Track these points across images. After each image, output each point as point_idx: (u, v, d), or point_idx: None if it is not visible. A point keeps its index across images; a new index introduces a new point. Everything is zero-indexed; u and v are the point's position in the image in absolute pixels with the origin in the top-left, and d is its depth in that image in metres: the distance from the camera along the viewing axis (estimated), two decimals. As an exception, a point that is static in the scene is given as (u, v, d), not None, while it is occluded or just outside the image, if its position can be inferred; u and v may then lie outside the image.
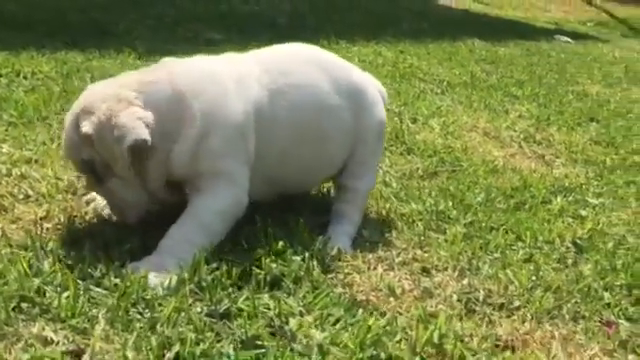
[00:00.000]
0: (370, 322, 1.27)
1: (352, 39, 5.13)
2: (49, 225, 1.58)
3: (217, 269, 1.41)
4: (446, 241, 1.82)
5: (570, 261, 1.79)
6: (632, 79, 5.09)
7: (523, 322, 1.44)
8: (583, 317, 1.51)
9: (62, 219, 1.61)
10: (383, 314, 1.42)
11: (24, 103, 2.51)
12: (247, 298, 1.34)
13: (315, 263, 1.54)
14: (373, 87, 1.91)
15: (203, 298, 1.33)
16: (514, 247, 1.83)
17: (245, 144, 1.55)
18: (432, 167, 2.52)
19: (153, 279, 1.33)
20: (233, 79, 1.57)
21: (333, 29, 5.36)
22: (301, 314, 1.34)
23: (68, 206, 1.69)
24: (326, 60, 1.78)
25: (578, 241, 1.90)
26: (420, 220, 1.95)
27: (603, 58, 6.10)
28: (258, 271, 1.45)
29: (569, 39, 7.09)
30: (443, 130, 3.05)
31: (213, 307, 1.30)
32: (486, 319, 1.43)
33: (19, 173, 1.87)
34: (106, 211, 1.68)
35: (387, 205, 2.06)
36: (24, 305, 1.19)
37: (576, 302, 1.55)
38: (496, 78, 4.46)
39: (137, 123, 1.44)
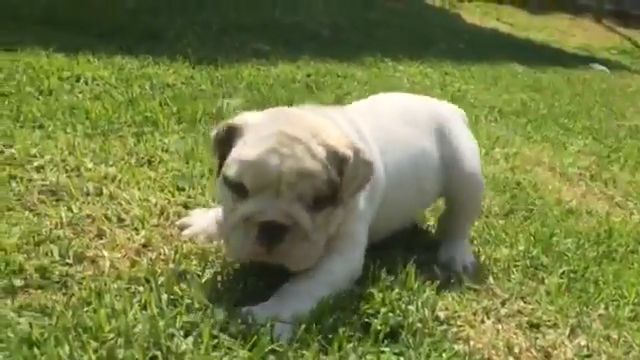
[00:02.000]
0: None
1: (396, 57, 5.08)
2: (152, 255, 1.52)
3: (338, 319, 1.35)
4: (547, 293, 1.75)
5: (677, 322, 1.72)
6: (677, 116, 5.03)
7: (653, 393, 1.37)
8: None
9: (165, 250, 1.54)
10: (507, 376, 1.35)
11: (95, 113, 2.45)
12: (374, 354, 1.27)
13: (428, 313, 1.47)
14: (455, 116, 1.97)
15: (330, 352, 1.26)
16: (618, 303, 1.76)
17: (375, 203, 1.54)
18: (507, 205, 2.45)
19: (278, 327, 1.26)
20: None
21: (376, 46, 5.31)
22: (429, 374, 1.28)
23: (167, 234, 1.63)
24: (411, 108, 1.86)
25: (681, 300, 1.83)
26: (515, 267, 1.88)
27: (643, 91, 6.04)
28: (376, 322, 1.39)
29: (605, 68, 7.03)
30: (508, 163, 2.99)
31: (344, 364, 1.23)
32: (615, 388, 1.37)
33: (108, 193, 1.80)
34: (201, 237, 1.62)
35: (477, 247, 1.99)
36: (158, 354, 1.12)
37: (700, 372, 1.48)
38: (545, 107, 4.40)
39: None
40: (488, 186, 2.62)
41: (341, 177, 1.38)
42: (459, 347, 1.40)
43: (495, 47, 6.96)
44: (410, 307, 1.46)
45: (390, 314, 1.42)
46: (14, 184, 1.75)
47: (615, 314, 1.69)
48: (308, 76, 4.00)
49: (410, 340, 1.37)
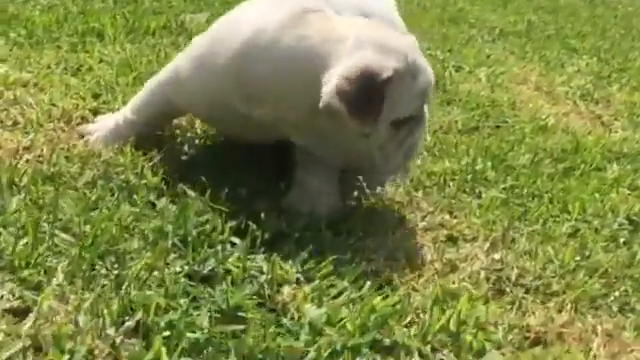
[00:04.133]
0: (375, 301, 1.07)
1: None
2: (29, 156, 1.41)
3: (207, 222, 1.23)
4: (480, 206, 1.59)
5: (622, 240, 1.55)
6: None
7: (560, 311, 1.22)
8: (633, 310, 1.28)
9: (45, 151, 1.43)
10: (395, 289, 1.21)
11: (35, 22, 2.33)
12: (238, 258, 1.15)
13: (324, 223, 1.34)
14: None
15: (185, 255, 1.14)
16: (558, 219, 1.59)
17: None
18: (474, 121, 2.26)
19: None
20: None
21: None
22: (298, 282, 1.15)
23: (56, 137, 1.52)
24: None
25: (634, 217, 1.65)
26: (452, 180, 1.72)
27: (675, 14, 5.58)
28: (255, 227, 1.26)
29: (640, -8, 6.53)
30: (490, 81, 2.76)
31: (196, 267, 1.11)
32: (516, 304, 1.22)
33: (12, 97, 1.70)
34: (99, 145, 1.50)
35: (417, 161, 1.83)
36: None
37: (626, 290, 1.32)
38: (554, 28, 4.10)
39: None
40: (457, 104, 2.43)
41: None
42: (347, 257, 1.26)
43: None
44: (303, 214, 1.34)
45: (274, 220, 1.29)
46: None
47: (551, 230, 1.53)
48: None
49: (292, 249, 1.25)
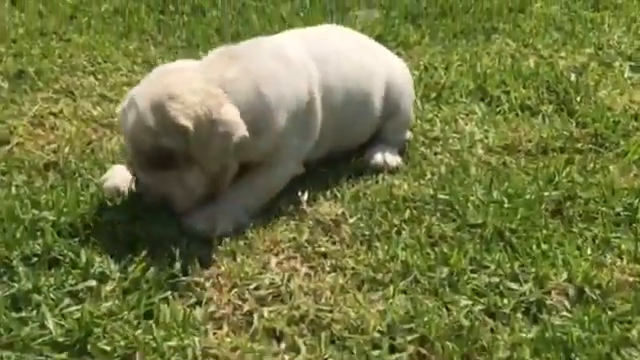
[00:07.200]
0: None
1: None
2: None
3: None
4: (387, 247, 1.44)
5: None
6: None
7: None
8: None
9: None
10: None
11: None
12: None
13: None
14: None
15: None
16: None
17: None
18: (562, 139, 1.90)
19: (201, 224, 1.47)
20: (300, 60, 1.64)
21: None
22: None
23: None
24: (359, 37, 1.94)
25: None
26: (403, 209, 1.56)
27: None
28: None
29: None
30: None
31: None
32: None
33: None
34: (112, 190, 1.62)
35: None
36: None
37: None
38: None
39: (240, 120, 1.48)
40: (572, 114, 2.04)
41: None
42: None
43: None
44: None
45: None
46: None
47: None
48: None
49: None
